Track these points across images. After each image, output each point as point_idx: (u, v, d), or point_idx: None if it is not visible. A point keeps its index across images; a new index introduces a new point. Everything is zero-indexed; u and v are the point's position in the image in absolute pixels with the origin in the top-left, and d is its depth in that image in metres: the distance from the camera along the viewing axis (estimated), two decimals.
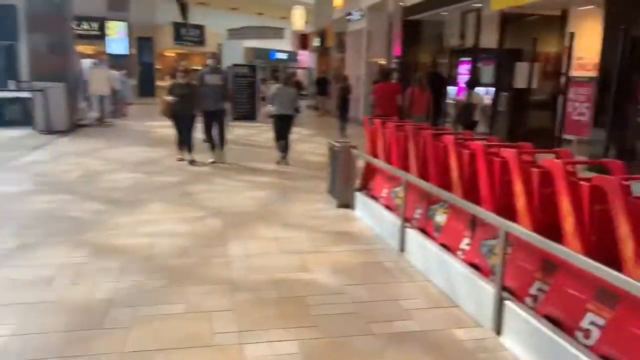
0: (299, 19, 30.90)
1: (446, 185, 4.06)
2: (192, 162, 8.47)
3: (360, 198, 5.82)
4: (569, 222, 2.81)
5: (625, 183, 2.54)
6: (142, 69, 31.05)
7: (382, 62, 16.94)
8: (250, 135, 13.00)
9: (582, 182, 2.79)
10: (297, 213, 5.80)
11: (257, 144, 11.37)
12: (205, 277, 3.92)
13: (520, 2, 9.26)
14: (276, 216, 5.62)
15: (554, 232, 2.86)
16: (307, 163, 9.14)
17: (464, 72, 12.40)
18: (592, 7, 9.25)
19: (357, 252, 4.54)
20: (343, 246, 4.69)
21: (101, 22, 24.84)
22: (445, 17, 13.58)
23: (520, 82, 9.53)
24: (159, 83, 32.67)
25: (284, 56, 41.58)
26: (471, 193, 3.75)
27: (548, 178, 3.00)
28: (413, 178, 4.43)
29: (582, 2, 8.89)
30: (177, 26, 32.01)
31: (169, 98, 8.25)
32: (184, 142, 8.68)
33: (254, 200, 6.29)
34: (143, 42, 30.91)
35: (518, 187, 3.21)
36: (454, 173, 3.93)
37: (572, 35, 8.25)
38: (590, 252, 2.67)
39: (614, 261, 2.51)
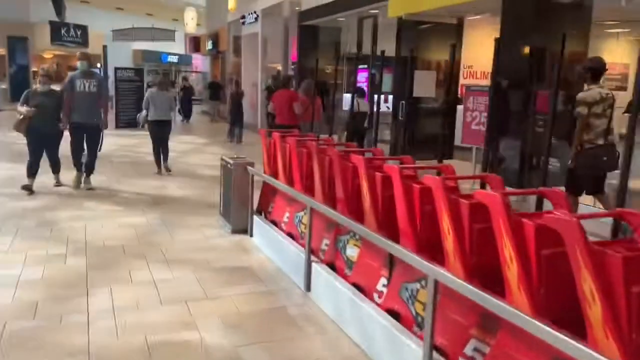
0: (190, 21, 29.49)
1: (358, 211, 3.47)
2: (57, 184, 7.09)
3: (258, 222, 5.08)
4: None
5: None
6: (14, 72, 27.94)
7: (279, 67, 16.33)
8: (133, 145, 11.75)
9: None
10: (182, 244, 4.93)
11: (139, 156, 10.19)
12: (54, 347, 2.97)
13: (416, 9, 9.08)
14: (156, 250, 4.70)
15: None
16: (197, 178, 8.24)
17: (361, 79, 12.13)
18: (486, 15, 9.30)
19: (255, 296, 3.79)
20: (238, 288, 3.91)
21: None
22: (342, 23, 13.27)
23: (418, 90, 9.34)
24: (35, 86, 29.61)
25: (176, 59, 39.65)
26: (388, 222, 3.18)
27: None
28: (318, 204, 3.78)
29: (478, 10, 8.86)
30: (56, 25, 29.17)
31: (23, 109, 6.54)
32: (36, 171, 6.78)
33: (130, 229, 5.30)
34: (16, 42, 27.83)
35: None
36: (366, 198, 3.34)
37: (453, 46, 8.12)
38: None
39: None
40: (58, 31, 29.36)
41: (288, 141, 4.68)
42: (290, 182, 4.62)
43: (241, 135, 13.13)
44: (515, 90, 7.11)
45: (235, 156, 5.61)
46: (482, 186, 3.47)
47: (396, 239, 2.99)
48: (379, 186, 3.30)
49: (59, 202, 6.35)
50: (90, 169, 7.13)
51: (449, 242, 2.57)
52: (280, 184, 4.60)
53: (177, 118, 19.16)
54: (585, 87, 5.03)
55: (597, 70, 4.95)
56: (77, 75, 6.97)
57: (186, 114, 19.14)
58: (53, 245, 4.72)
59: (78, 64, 7.09)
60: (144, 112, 8.43)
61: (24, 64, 28.22)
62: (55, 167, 7.11)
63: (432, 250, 2.79)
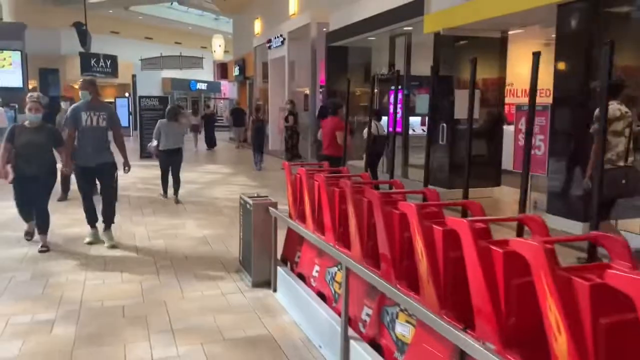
0: (218, 48, 29.41)
1: (410, 275, 2.64)
2: (43, 250, 5.47)
3: (283, 275, 4.27)
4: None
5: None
6: (45, 104, 28.18)
7: (306, 91, 15.72)
8: (155, 177, 11.08)
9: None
10: (194, 302, 4.14)
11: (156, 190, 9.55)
12: None
13: (456, 23, 8.28)
14: (162, 312, 3.92)
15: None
16: (219, 214, 7.50)
17: (394, 101, 11.31)
18: (533, 27, 8.43)
19: None
20: None
21: None
22: (373, 42, 12.56)
23: (460, 111, 8.48)
24: None
25: (204, 86, 39.75)
26: (457, 295, 2.34)
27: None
28: (355, 264, 2.94)
29: (525, 22, 7.99)
30: (86, 56, 29.47)
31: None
32: (30, 214, 5.73)
33: (136, 285, 4.54)
34: (47, 74, 28.17)
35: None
36: (422, 260, 2.50)
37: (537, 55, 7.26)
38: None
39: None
40: (88, 62, 29.61)
41: (317, 178, 3.88)
42: (320, 228, 3.81)
43: (261, 162, 12.63)
44: (578, 109, 6.19)
45: (256, 194, 4.83)
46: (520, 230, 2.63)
47: (468, 319, 2.15)
48: (440, 244, 2.46)
49: (63, 248, 5.67)
50: (109, 220, 5.79)
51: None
52: (308, 233, 3.78)
53: (199, 146, 18.84)
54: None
55: (615, 85, 4.62)
56: (81, 106, 5.64)
57: (209, 141, 18.56)
58: (42, 307, 3.99)
59: (82, 92, 5.68)
60: (154, 142, 8.33)
61: (55, 95, 28.47)
62: (43, 224, 5.55)
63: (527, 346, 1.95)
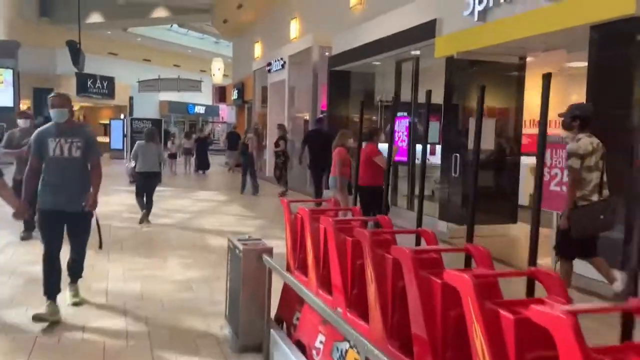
0: (217, 72, 28.96)
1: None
2: None
3: (277, 341, 3.46)
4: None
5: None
6: (39, 124, 27.46)
7: (306, 116, 15.07)
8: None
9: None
10: None
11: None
12: None
13: (472, 46, 7.64)
14: None
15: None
16: (207, 251, 6.68)
17: (400, 128, 10.64)
18: (556, 51, 7.78)
19: None
20: None
21: None
22: (377, 68, 11.95)
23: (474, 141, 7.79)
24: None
25: (202, 110, 39.27)
26: None
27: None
28: (378, 353, 2.15)
29: (549, 45, 7.34)
30: (82, 77, 28.93)
31: None
32: None
33: (97, 352, 3.71)
34: (42, 94, 27.53)
35: None
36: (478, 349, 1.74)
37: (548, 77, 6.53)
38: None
39: None
40: (84, 82, 29.10)
41: (323, 222, 3.12)
42: (326, 286, 3.04)
43: (255, 187, 12.45)
44: (615, 140, 5.47)
45: (247, 237, 4.05)
46: None
47: None
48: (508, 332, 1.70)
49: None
50: (76, 274, 4.59)
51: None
52: (310, 296, 2.96)
53: (191, 170, 18.27)
54: (573, 137, 4.50)
55: (586, 117, 4.48)
56: (49, 131, 4.30)
57: (201, 165, 18.34)
58: None
59: (52, 113, 4.33)
60: (132, 162, 8.25)
61: (49, 116, 27.79)
62: None
63: None
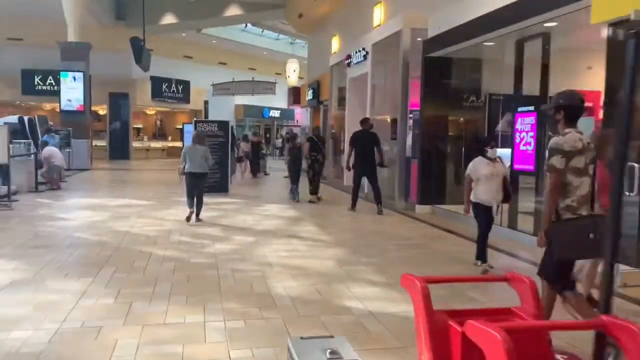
0: (292, 73, 27.34)
1: None
2: None
3: None
4: None
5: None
6: (113, 129, 27.17)
7: (387, 118, 12.86)
8: (203, 232, 8.54)
9: None
10: None
11: (198, 245, 6.90)
12: None
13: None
14: None
15: None
16: (264, 307, 4.59)
17: (522, 127, 8.18)
18: None
19: None
20: None
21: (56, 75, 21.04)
22: (487, 51, 9.53)
23: None
24: (135, 144, 28.79)
25: (277, 114, 38.02)
26: None
27: None
28: None
29: None
30: (157, 81, 28.40)
31: None
32: None
33: None
34: (118, 99, 27.22)
35: None
36: None
37: None
38: None
39: None
40: (159, 86, 28.57)
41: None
42: None
43: (295, 193, 11.72)
44: None
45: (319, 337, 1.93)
46: None
47: None
48: None
49: None
50: None
51: None
52: None
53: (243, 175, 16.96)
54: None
55: (572, 108, 3.48)
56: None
57: (253, 169, 18.06)
58: None
59: None
60: (182, 164, 8.70)
61: (124, 121, 27.47)
62: None
63: None
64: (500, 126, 9.69)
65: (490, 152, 5.78)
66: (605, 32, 5.85)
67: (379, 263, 6.14)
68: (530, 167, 7.92)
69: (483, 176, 5.69)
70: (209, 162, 8.71)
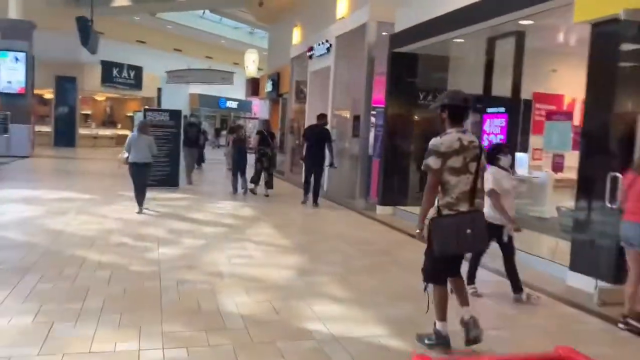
0: (251, 64, 26.46)
1: None
2: None
3: None
4: None
5: None
6: (59, 115, 25.59)
7: (345, 114, 12.41)
8: (147, 224, 7.78)
9: None
10: None
11: (145, 257, 6.19)
12: None
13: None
14: None
15: None
16: (211, 334, 3.99)
17: (491, 129, 7.87)
18: None
19: None
20: None
21: None
22: (455, 48, 9.16)
23: None
24: (82, 131, 27.25)
25: (235, 105, 37.00)
26: None
27: None
28: None
29: None
30: (108, 66, 26.93)
31: None
32: None
33: None
34: (65, 83, 25.62)
35: None
36: None
37: None
38: None
39: None
40: (110, 71, 27.10)
41: None
42: None
43: (245, 188, 11.62)
44: None
45: None
46: None
47: None
48: None
49: None
50: None
51: None
52: None
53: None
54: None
55: (457, 108, 3.60)
56: None
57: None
58: None
59: None
60: (125, 153, 8.58)
61: (71, 106, 25.92)
62: None
63: None
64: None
65: (503, 160, 4.93)
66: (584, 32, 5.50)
67: (341, 273, 5.62)
68: None
69: (505, 191, 4.83)
70: (153, 151, 8.64)
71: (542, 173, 8.47)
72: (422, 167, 3.63)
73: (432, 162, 3.53)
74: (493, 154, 4.91)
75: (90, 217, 8.06)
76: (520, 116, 8.03)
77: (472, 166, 3.59)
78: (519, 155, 7.91)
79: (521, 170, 8.08)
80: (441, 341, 3.63)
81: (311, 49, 13.97)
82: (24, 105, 18.67)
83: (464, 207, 3.55)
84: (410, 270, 5.94)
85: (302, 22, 16.92)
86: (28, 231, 6.81)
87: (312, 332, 3.93)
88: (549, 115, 7.14)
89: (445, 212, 3.55)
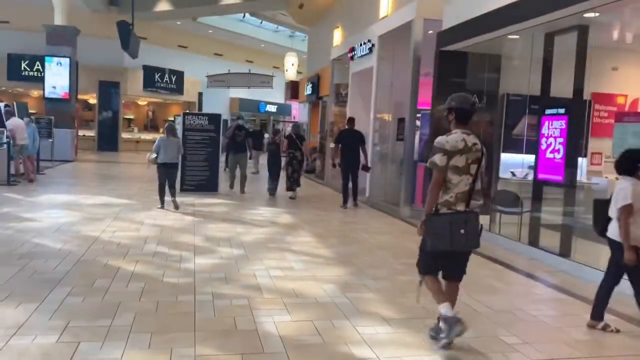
0: (291, 67, 26.27)
1: None
2: None
3: None
4: None
5: None
6: (102, 119, 26.03)
7: (387, 117, 11.93)
8: (182, 229, 7.52)
9: None
10: None
11: (176, 264, 5.91)
12: None
13: None
14: None
15: None
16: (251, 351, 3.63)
17: (549, 132, 7.26)
18: None
19: None
20: None
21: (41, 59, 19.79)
22: (508, 46, 8.57)
23: None
24: (125, 136, 27.65)
25: (274, 109, 36.95)
26: None
27: None
28: None
29: None
30: (150, 71, 27.26)
31: None
32: None
33: None
34: (108, 87, 26.05)
35: None
36: None
37: None
38: None
39: None
40: (152, 76, 27.41)
41: None
42: None
43: (274, 189, 11.83)
44: None
45: None
46: None
47: None
48: None
49: None
50: None
51: None
52: None
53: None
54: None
55: (463, 111, 3.75)
56: None
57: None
58: None
59: None
60: (154, 154, 8.96)
61: (114, 111, 26.33)
62: None
63: None
64: (517, 130, 8.84)
65: None
66: None
67: (388, 289, 5.17)
68: (559, 178, 6.99)
69: None
70: (180, 152, 9.37)
71: (601, 179, 7.82)
72: (428, 164, 3.75)
73: (438, 159, 3.65)
74: (631, 163, 4.09)
75: (126, 223, 7.87)
76: (585, 118, 7.39)
77: (473, 168, 3.70)
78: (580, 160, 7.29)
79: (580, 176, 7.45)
80: (450, 321, 3.59)
81: (352, 49, 13.56)
82: (68, 110, 18.96)
83: (460, 207, 3.67)
84: (465, 288, 5.44)
85: (343, 23, 16.54)
86: (63, 238, 6.64)
87: (358, 358, 3.50)
88: (619, 117, 6.49)
89: (443, 210, 3.67)
